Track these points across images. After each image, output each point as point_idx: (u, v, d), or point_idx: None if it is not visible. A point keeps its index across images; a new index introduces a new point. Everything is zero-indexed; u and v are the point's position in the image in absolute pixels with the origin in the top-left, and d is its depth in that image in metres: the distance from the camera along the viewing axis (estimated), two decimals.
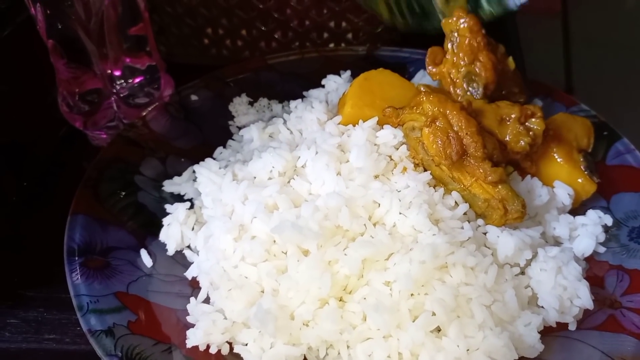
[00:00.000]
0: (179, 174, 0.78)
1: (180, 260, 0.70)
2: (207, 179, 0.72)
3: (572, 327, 0.61)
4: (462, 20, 0.75)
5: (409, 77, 0.89)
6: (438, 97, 0.68)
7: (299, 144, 0.73)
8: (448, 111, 0.67)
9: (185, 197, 0.77)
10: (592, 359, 0.57)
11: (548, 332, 0.61)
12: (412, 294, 0.60)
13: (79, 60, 0.81)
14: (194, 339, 0.60)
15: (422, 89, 0.76)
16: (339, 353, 0.59)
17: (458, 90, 0.76)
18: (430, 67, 0.78)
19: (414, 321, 0.57)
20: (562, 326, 0.62)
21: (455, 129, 0.66)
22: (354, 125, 0.72)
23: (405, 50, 0.95)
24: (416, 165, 0.70)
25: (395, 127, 0.72)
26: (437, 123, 0.67)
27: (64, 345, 0.67)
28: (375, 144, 0.71)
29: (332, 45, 1.03)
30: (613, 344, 0.58)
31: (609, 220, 0.69)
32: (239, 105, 0.89)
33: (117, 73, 0.85)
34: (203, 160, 0.77)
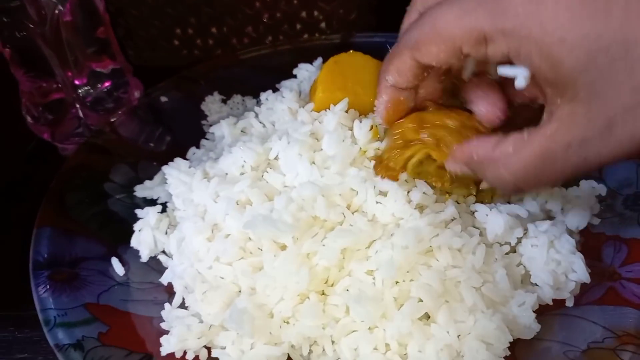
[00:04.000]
0: (151, 178, 0.75)
1: (155, 266, 0.67)
2: (176, 179, 0.68)
3: (570, 303, 0.58)
4: None
5: None
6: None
7: (271, 136, 0.69)
8: None
9: (159, 201, 0.73)
10: (594, 335, 0.54)
11: (545, 311, 0.57)
12: (396, 282, 0.56)
13: (39, 68, 0.78)
14: (168, 346, 0.56)
15: None
16: (323, 349, 0.56)
17: None
18: None
19: (399, 310, 0.54)
20: (559, 303, 0.58)
21: None
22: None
23: (381, 35, 0.91)
24: None
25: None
26: None
27: None
28: (349, 129, 0.67)
29: (306, 35, 1.00)
30: (614, 317, 0.55)
31: (603, 189, 0.65)
32: (212, 104, 0.86)
33: (83, 80, 0.82)
34: None
